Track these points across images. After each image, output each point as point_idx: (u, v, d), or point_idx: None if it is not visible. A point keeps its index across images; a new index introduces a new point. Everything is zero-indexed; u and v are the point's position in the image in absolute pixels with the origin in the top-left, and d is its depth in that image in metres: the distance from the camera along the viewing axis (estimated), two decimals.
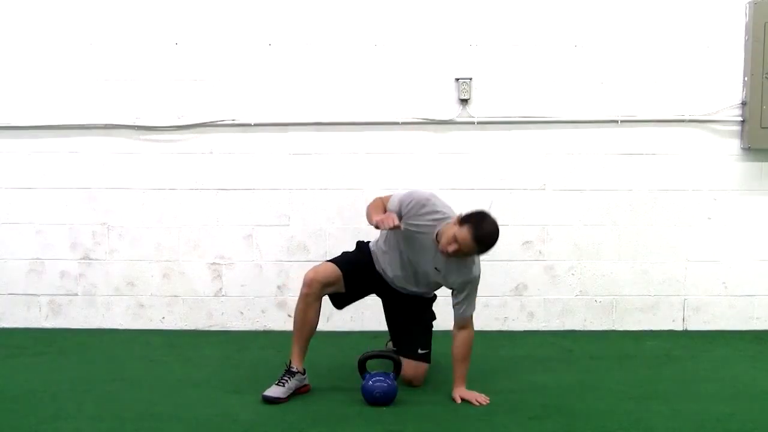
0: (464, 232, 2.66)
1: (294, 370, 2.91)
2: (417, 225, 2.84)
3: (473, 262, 2.88)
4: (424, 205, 2.84)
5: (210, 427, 2.60)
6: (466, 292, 2.93)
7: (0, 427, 2.58)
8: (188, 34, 3.89)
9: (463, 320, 2.98)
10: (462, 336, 2.97)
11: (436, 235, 2.80)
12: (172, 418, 2.68)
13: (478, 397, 2.85)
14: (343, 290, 2.97)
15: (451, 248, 2.70)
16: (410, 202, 2.85)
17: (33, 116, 3.92)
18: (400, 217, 2.81)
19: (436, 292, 3.18)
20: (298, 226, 3.94)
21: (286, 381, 2.87)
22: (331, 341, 3.62)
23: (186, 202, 3.95)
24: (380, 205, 2.93)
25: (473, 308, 2.99)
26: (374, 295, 3.16)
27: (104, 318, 3.99)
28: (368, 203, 2.98)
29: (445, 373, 3.22)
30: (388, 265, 3.03)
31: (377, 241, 3.12)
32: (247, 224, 3.95)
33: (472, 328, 3.00)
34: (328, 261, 3.02)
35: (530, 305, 3.97)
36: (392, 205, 2.90)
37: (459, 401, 2.85)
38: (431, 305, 3.17)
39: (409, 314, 3.08)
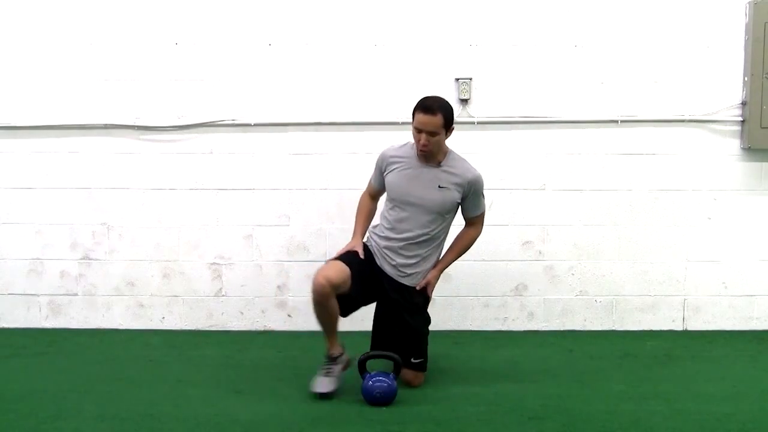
0: (416, 118, 2.92)
1: (335, 355, 2.96)
2: (400, 158, 3.05)
3: (469, 166, 3.05)
4: (392, 147, 3.13)
5: (210, 427, 2.60)
6: (471, 193, 3.03)
7: (0, 427, 2.58)
8: (188, 34, 3.89)
9: (471, 220, 3.13)
10: (467, 231, 3.15)
11: (417, 155, 3.02)
12: (172, 418, 2.68)
13: (429, 289, 3.08)
14: (348, 291, 2.93)
15: (422, 138, 2.91)
16: (380, 158, 3.13)
17: (33, 116, 3.92)
18: (383, 175, 3.09)
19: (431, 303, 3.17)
20: (298, 226, 3.94)
21: (332, 369, 2.92)
22: None
23: (186, 202, 3.95)
24: (364, 208, 3.23)
25: (481, 209, 3.11)
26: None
27: (104, 318, 3.99)
28: (359, 201, 3.25)
29: (445, 373, 3.22)
30: (390, 254, 3.02)
31: (371, 236, 3.13)
32: (247, 224, 3.95)
33: (481, 226, 3.16)
34: (334, 259, 2.99)
35: (530, 305, 3.97)
36: (373, 179, 3.19)
37: (419, 288, 3.05)
38: (425, 309, 3.11)
39: (401, 322, 3.03)
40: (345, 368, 3.01)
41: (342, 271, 2.90)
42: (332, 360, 2.96)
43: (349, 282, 2.91)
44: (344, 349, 3.02)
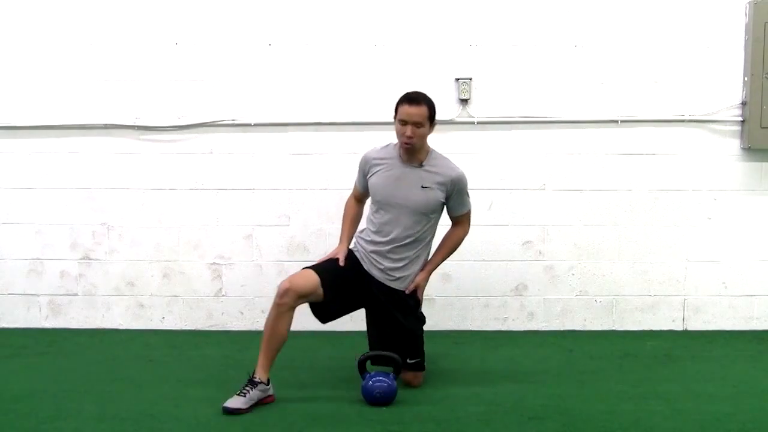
0: (401, 110, 2.91)
1: (257, 380, 2.80)
2: (382, 159, 3.04)
3: (451, 164, 3.04)
4: (374, 149, 3.11)
5: (210, 427, 2.60)
6: (455, 192, 3.01)
7: (0, 427, 2.58)
8: (188, 34, 3.89)
9: (457, 219, 3.11)
10: (454, 230, 3.15)
11: (400, 155, 3.01)
12: (172, 418, 2.68)
13: (418, 292, 3.07)
14: (321, 299, 2.90)
15: (407, 130, 2.89)
16: (363, 160, 3.11)
17: (33, 116, 3.92)
18: (366, 178, 3.06)
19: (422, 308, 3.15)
20: (298, 226, 3.94)
21: (248, 391, 2.77)
22: (331, 341, 3.62)
23: (186, 202, 3.95)
24: (350, 211, 3.21)
25: (466, 207, 3.10)
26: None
27: (104, 318, 3.99)
28: (344, 206, 3.24)
29: (445, 373, 3.22)
30: (378, 258, 3.00)
31: (357, 241, 3.11)
32: (247, 224, 3.95)
33: (468, 225, 3.14)
34: (306, 267, 2.96)
35: (530, 305, 3.97)
36: (357, 182, 3.17)
37: (408, 291, 3.03)
38: (417, 310, 3.09)
39: (393, 324, 3.01)
40: (264, 400, 2.80)
41: (310, 281, 2.86)
42: (252, 383, 2.79)
43: (319, 292, 2.88)
44: (270, 384, 2.83)
